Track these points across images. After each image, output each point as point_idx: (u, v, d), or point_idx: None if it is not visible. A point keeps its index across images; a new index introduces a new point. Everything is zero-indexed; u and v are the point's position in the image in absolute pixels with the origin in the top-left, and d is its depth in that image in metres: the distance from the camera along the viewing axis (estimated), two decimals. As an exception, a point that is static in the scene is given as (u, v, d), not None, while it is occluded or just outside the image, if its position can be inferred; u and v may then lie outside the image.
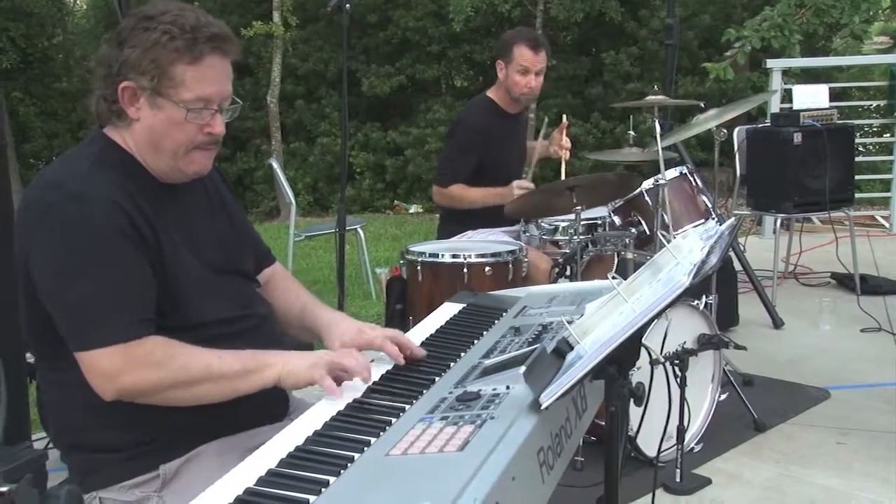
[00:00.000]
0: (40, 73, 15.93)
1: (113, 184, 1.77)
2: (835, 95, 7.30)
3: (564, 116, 4.52)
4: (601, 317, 1.63)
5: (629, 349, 1.59)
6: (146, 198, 1.81)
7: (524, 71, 4.12)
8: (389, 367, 1.85)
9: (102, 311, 1.69)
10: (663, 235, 3.58)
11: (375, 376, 1.79)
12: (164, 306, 1.79)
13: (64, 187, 1.74)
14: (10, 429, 2.94)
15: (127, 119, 1.83)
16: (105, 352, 1.68)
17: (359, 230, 6.58)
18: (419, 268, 3.55)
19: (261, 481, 1.33)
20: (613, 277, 1.71)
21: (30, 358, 3.15)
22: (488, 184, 4.13)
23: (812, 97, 6.04)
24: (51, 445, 3.15)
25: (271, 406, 1.92)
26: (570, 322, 1.64)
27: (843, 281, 6.02)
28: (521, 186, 4.00)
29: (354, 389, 1.70)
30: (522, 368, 1.47)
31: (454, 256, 3.52)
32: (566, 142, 4.35)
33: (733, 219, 1.96)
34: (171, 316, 1.80)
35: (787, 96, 6.74)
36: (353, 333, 1.97)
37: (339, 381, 1.73)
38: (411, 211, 12.29)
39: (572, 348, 1.56)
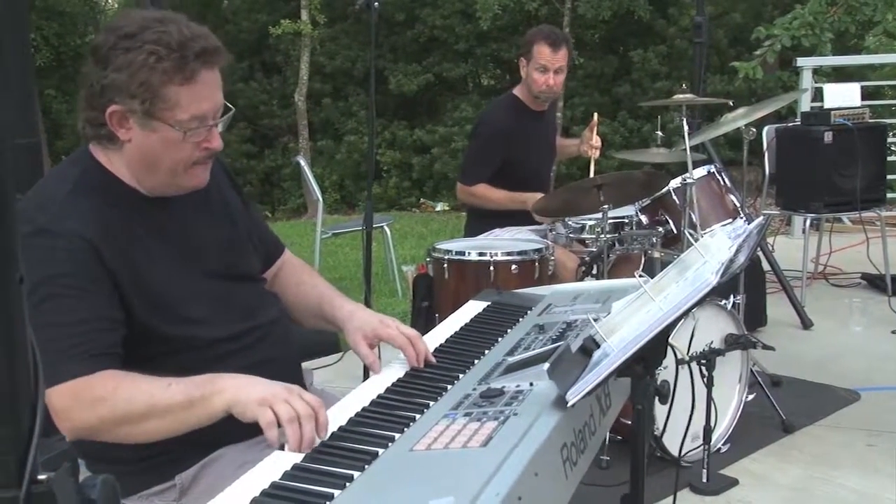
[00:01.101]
0: (73, 71, 16.09)
1: (87, 211, 1.71)
2: (867, 94, 7.22)
3: (595, 115, 4.50)
4: (628, 315, 1.63)
5: (656, 347, 1.59)
6: (128, 218, 1.76)
7: (543, 69, 4.13)
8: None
9: (57, 348, 1.62)
10: (690, 234, 3.56)
11: (401, 373, 1.79)
12: (159, 329, 1.74)
13: (34, 221, 1.68)
14: (45, 421, 2.98)
15: (117, 141, 1.76)
16: (55, 391, 1.59)
17: (385, 228, 6.59)
18: (446, 266, 3.56)
19: (286, 475, 1.34)
20: (640, 276, 1.71)
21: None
22: (514, 181, 4.14)
23: (843, 96, 5.97)
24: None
25: None
26: (596, 320, 1.64)
27: (874, 282, 5.95)
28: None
29: (378, 385, 1.71)
30: (546, 365, 1.47)
31: (481, 254, 3.52)
32: (596, 140, 4.34)
33: (762, 218, 1.95)
34: (169, 338, 1.76)
35: (819, 95, 6.67)
36: (374, 324, 1.92)
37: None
38: (437, 209, 12.31)
39: (599, 346, 1.56)
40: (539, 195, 4.01)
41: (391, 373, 1.80)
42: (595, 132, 4.36)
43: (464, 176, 4.28)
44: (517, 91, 4.32)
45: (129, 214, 1.78)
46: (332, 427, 1.53)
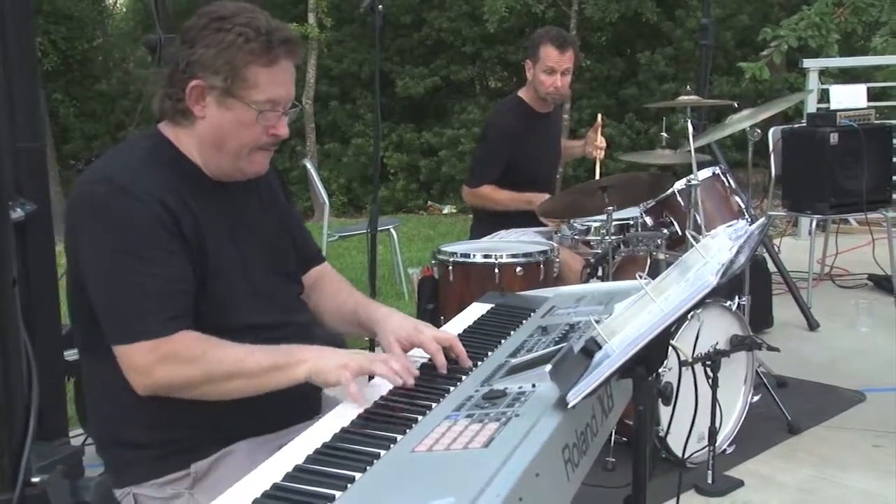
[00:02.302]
0: (80, 75, 16.18)
1: (160, 180, 1.79)
2: (873, 95, 7.20)
3: (599, 116, 4.50)
4: (629, 316, 1.63)
5: (657, 349, 1.59)
6: (194, 197, 1.83)
7: (550, 71, 4.13)
8: (417, 363, 1.85)
9: (137, 307, 1.71)
10: (692, 236, 3.56)
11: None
12: (206, 306, 1.80)
13: (112, 181, 1.77)
14: (48, 425, 2.98)
15: (191, 117, 1.84)
16: (137, 347, 1.70)
17: (392, 230, 6.60)
18: (450, 268, 3.56)
19: (288, 477, 1.35)
20: (641, 277, 1.71)
21: (68, 356, 3.21)
22: (520, 182, 4.14)
23: (850, 97, 5.95)
24: (88, 441, 3.21)
25: (302, 405, 1.92)
26: (597, 321, 1.64)
27: (881, 283, 5.94)
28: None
29: (381, 387, 1.71)
30: (549, 366, 1.47)
31: (486, 257, 3.52)
32: (601, 141, 4.34)
33: (763, 218, 1.95)
34: (213, 317, 1.81)
35: (825, 97, 6.66)
36: (408, 329, 1.93)
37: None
38: (445, 211, 12.31)
39: (600, 347, 1.56)
40: (544, 196, 4.01)
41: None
42: (600, 133, 4.36)
43: (471, 178, 4.29)
44: (522, 93, 4.32)
45: (196, 192, 1.85)
46: (335, 428, 1.53)
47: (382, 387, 1.71)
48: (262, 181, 2.01)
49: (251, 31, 1.78)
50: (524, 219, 4.11)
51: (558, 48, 4.13)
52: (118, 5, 19.25)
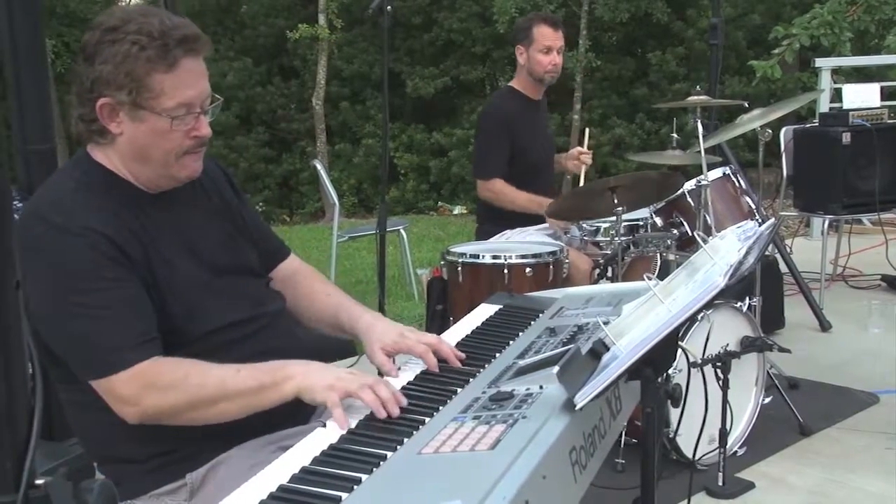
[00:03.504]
0: (93, 78, 16.23)
1: (96, 209, 1.74)
2: (887, 95, 7.15)
3: (588, 129, 4.54)
4: (637, 318, 1.63)
5: (665, 350, 1.58)
6: (136, 216, 1.79)
7: (547, 50, 4.19)
8: (424, 367, 1.85)
9: (106, 341, 1.67)
10: (700, 237, 3.55)
11: (411, 376, 1.79)
12: (172, 319, 1.78)
13: (47, 219, 1.71)
14: (58, 426, 2.99)
15: (109, 135, 1.79)
16: (119, 378, 1.66)
17: (401, 231, 6.60)
18: (460, 269, 3.55)
19: (294, 478, 1.35)
20: (649, 278, 1.70)
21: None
22: (520, 171, 4.14)
23: (863, 96, 5.92)
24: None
25: (294, 407, 1.85)
26: (605, 323, 1.63)
27: (894, 283, 5.91)
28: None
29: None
30: (556, 368, 1.47)
31: (495, 257, 3.52)
32: (585, 156, 4.33)
33: (773, 219, 1.94)
34: (180, 329, 1.79)
35: (838, 96, 6.62)
36: (393, 336, 1.92)
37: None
38: (455, 212, 12.31)
39: (608, 349, 1.56)
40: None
41: (402, 376, 1.80)
42: (586, 146, 4.39)
43: (478, 170, 4.27)
44: (514, 83, 4.37)
45: (134, 211, 1.81)
46: (341, 430, 1.53)
47: (395, 386, 1.71)
48: (205, 182, 1.96)
49: (144, 38, 1.71)
50: (530, 218, 4.11)
51: (552, 26, 4.21)
52: (131, 6, 19.35)
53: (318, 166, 7.47)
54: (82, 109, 1.79)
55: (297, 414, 1.88)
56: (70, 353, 1.72)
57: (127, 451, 1.81)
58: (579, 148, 4.43)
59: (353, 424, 1.55)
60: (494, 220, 4.23)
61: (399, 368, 1.86)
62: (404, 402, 1.60)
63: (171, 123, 1.76)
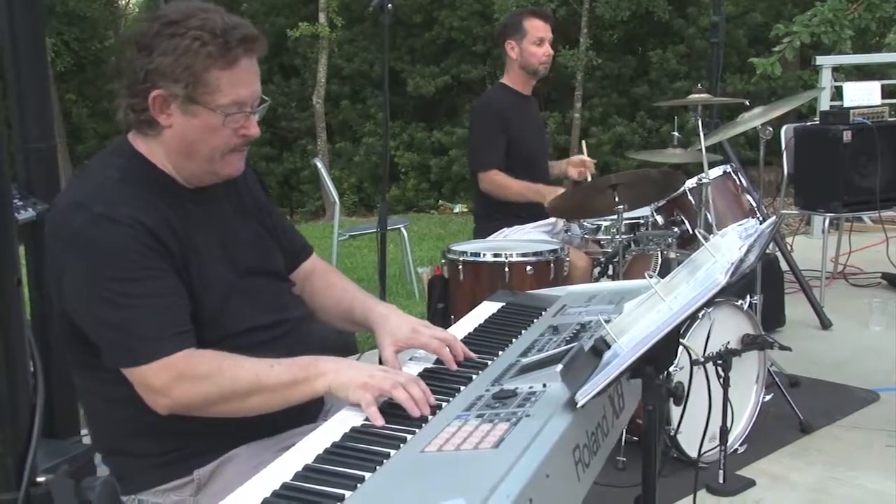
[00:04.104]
0: (93, 76, 16.27)
1: (138, 200, 1.76)
2: (888, 92, 7.15)
3: (584, 142, 4.54)
4: (638, 315, 1.63)
5: (666, 348, 1.58)
6: (174, 210, 1.81)
7: (539, 41, 4.20)
8: (428, 364, 1.85)
9: (143, 329, 1.69)
10: (702, 234, 3.55)
11: (414, 373, 1.79)
12: (201, 317, 1.78)
13: (89, 208, 1.72)
14: (60, 423, 3.00)
15: (157, 127, 1.81)
16: (151, 368, 1.68)
17: (402, 230, 6.60)
18: (461, 267, 3.55)
19: (297, 476, 1.35)
20: (651, 276, 1.70)
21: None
22: (517, 167, 4.13)
23: (863, 94, 5.92)
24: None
25: (304, 407, 1.86)
26: (607, 321, 1.63)
27: (894, 281, 5.90)
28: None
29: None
30: (559, 366, 1.46)
31: (496, 256, 3.51)
32: (590, 164, 4.32)
33: (774, 217, 1.94)
34: (207, 326, 1.80)
35: (839, 94, 6.62)
36: (406, 331, 1.93)
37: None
38: (456, 210, 12.31)
39: (609, 347, 1.56)
40: (555, 188, 4.00)
41: (406, 372, 1.80)
42: (585, 155, 4.40)
43: (475, 163, 4.21)
44: (505, 80, 4.38)
45: (172, 204, 1.82)
46: (345, 428, 1.53)
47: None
48: (239, 182, 1.97)
49: (206, 34, 1.73)
50: (527, 214, 4.10)
51: (542, 18, 4.24)
52: (131, 6, 19.32)
53: (319, 165, 7.47)
54: (133, 100, 1.80)
55: (305, 412, 1.88)
56: (105, 340, 1.73)
57: (140, 445, 1.82)
58: (582, 156, 4.40)
59: (357, 422, 1.55)
60: (492, 217, 4.22)
61: (410, 359, 1.86)
62: (434, 402, 1.60)
63: (224, 120, 1.78)
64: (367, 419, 1.57)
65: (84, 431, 3.31)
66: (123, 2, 18.98)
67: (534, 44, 4.18)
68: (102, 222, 1.70)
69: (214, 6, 1.82)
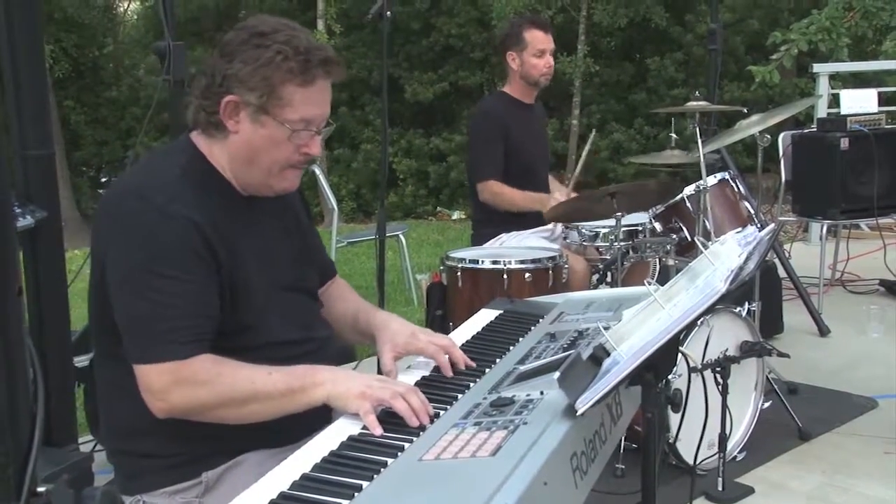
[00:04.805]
0: (91, 82, 16.26)
1: (194, 200, 1.78)
2: (885, 100, 7.16)
3: (594, 132, 4.51)
4: (638, 323, 1.62)
5: (666, 355, 1.58)
6: (226, 214, 1.83)
7: (540, 53, 4.17)
8: (426, 372, 1.85)
9: (160, 328, 1.70)
10: (701, 242, 3.56)
11: (411, 382, 1.79)
12: (232, 325, 1.80)
13: (149, 199, 1.75)
14: (57, 431, 2.99)
15: (224, 131, 1.84)
16: (156, 368, 1.69)
17: (401, 236, 6.60)
18: (459, 274, 3.55)
19: (295, 486, 1.35)
20: (650, 283, 1.70)
21: (77, 362, 3.21)
22: (516, 176, 4.12)
23: (860, 102, 5.93)
24: (97, 448, 3.21)
25: (314, 416, 1.84)
26: (606, 328, 1.63)
27: (892, 288, 5.91)
28: (562, 195, 4.04)
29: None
30: (557, 374, 1.46)
31: (494, 262, 3.52)
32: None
33: (773, 224, 1.94)
34: (238, 335, 1.81)
35: (836, 101, 6.64)
36: (405, 336, 1.95)
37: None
38: (454, 217, 12.32)
39: (609, 354, 1.56)
40: (555, 197, 4.00)
41: (403, 380, 1.80)
42: (589, 144, 4.39)
43: (474, 174, 4.20)
44: (506, 89, 4.35)
45: (228, 209, 1.85)
46: (342, 437, 1.53)
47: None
48: (287, 199, 2.01)
49: (290, 50, 1.78)
50: (524, 221, 4.10)
51: (542, 29, 4.21)
52: (128, 13, 19.34)
53: (317, 171, 7.46)
54: (206, 102, 1.84)
55: (315, 422, 1.85)
56: (126, 328, 1.75)
57: (148, 444, 1.83)
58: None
59: (354, 431, 1.55)
60: (491, 224, 4.21)
61: (409, 367, 1.87)
62: (432, 411, 1.60)
63: (290, 135, 1.81)
64: (364, 428, 1.57)
65: (81, 440, 3.31)
66: (122, 9, 19.00)
67: (535, 56, 4.16)
68: (156, 214, 1.74)
69: (303, 28, 1.88)
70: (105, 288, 1.77)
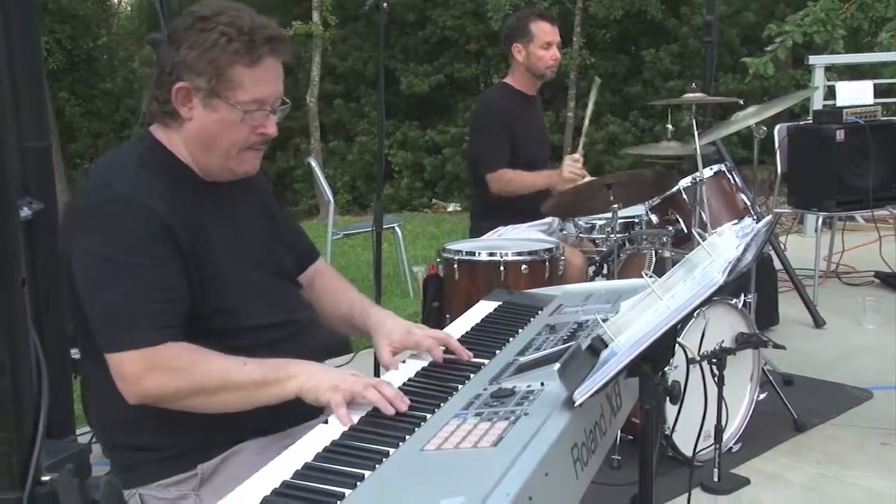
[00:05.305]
0: (85, 74, 16.21)
1: (155, 187, 1.78)
2: (880, 92, 7.17)
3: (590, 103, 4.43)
4: (636, 314, 1.63)
5: (663, 347, 1.59)
6: (189, 201, 1.83)
7: (547, 45, 4.18)
8: (426, 363, 1.86)
9: (129, 316, 1.70)
10: (699, 234, 3.56)
11: (411, 373, 1.80)
12: (208, 310, 1.80)
13: (111, 186, 1.76)
14: (55, 423, 2.99)
15: (179, 119, 1.84)
16: (127, 356, 1.69)
17: (396, 228, 6.60)
18: (456, 266, 3.56)
19: (297, 474, 1.35)
20: (648, 275, 1.71)
21: (74, 354, 3.21)
22: (519, 166, 4.11)
23: (856, 94, 5.94)
24: (94, 440, 3.22)
25: (307, 405, 1.85)
26: (604, 320, 1.64)
27: (887, 280, 5.92)
28: (572, 159, 4.04)
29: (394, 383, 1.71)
30: (557, 365, 1.47)
31: (491, 255, 3.52)
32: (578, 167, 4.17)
33: (770, 216, 1.95)
34: (217, 320, 1.81)
35: (832, 93, 6.64)
36: (401, 333, 1.96)
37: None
38: (449, 209, 12.31)
39: (607, 346, 1.56)
40: (566, 159, 4.01)
41: (403, 372, 1.81)
42: (581, 147, 4.36)
43: (484, 165, 4.15)
44: (509, 80, 4.35)
45: (190, 195, 1.85)
46: (344, 427, 1.53)
47: (395, 382, 1.71)
48: (253, 182, 2.01)
49: (234, 31, 1.77)
50: (522, 213, 4.10)
51: (549, 21, 4.22)
52: (123, 4, 19.28)
53: (313, 163, 7.46)
54: (158, 91, 1.84)
55: (308, 411, 1.86)
56: (96, 319, 1.75)
57: (141, 437, 1.83)
58: (574, 155, 4.30)
59: (356, 420, 1.55)
60: (488, 217, 4.21)
61: (404, 361, 1.88)
62: (408, 400, 1.60)
63: (243, 117, 1.81)
64: (363, 417, 1.57)
65: (79, 431, 3.31)
66: (115, 0, 18.93)
67: (541, 48, 4.17)
68: (120, 203, 1.74)
69: (246, 7, 1.86)
70: (74, 284, 1.77)
